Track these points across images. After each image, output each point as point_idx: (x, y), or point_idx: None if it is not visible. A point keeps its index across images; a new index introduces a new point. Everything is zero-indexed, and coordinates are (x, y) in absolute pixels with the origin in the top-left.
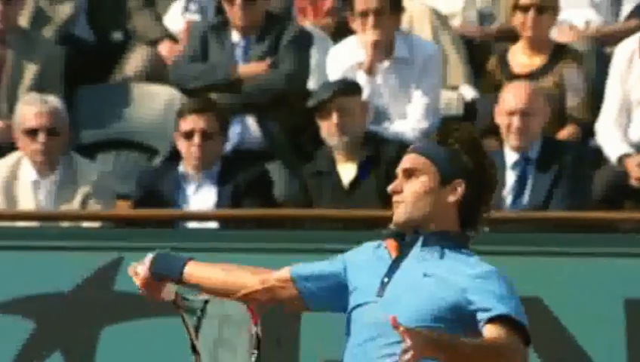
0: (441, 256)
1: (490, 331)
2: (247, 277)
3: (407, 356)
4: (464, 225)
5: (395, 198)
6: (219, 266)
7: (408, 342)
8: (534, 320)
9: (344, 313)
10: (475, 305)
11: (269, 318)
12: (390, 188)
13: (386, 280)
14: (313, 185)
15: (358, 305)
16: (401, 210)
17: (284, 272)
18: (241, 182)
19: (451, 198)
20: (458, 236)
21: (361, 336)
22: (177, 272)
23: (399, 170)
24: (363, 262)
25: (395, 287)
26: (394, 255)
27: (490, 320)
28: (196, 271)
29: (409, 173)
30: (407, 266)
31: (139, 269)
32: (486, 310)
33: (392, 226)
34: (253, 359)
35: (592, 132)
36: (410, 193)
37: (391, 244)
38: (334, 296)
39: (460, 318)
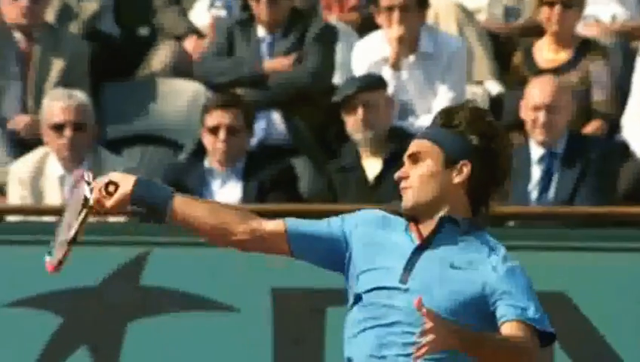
0: (464, 245)
1: (511, 329)
2: (236, 223)
3: (428, 339)
4: (476, 206)
5: (402, 185)
6: (207, 207)
7: (429, 324)
8: (560, 316)
9: (325, 268)
10: (499, 301)
11: (289, 317)
12: (397, 174)
13: (409, 267)
14: (338, 180)
15: (381, 288)
16: (409, 195)
17: (279, 226)
18: (267, 177)
19: (457, 180)
20: (474, 221)
21: (385, 319)
22: (163, 206)
23: (405, 157)
24: (385, 241)
25: (423, 276)
26: (418, 240)
27: (513, 320)
28: (184, 208)
29: (415, 159)
30: (431, 255)
31: (112, 189)
32: (510, 308)
33: (403, 212)
34: (79, 218)
35: (618, 127)
36: (416, 178)
37: (414, 228)
38: (325, 257)
39: (479, 311)
